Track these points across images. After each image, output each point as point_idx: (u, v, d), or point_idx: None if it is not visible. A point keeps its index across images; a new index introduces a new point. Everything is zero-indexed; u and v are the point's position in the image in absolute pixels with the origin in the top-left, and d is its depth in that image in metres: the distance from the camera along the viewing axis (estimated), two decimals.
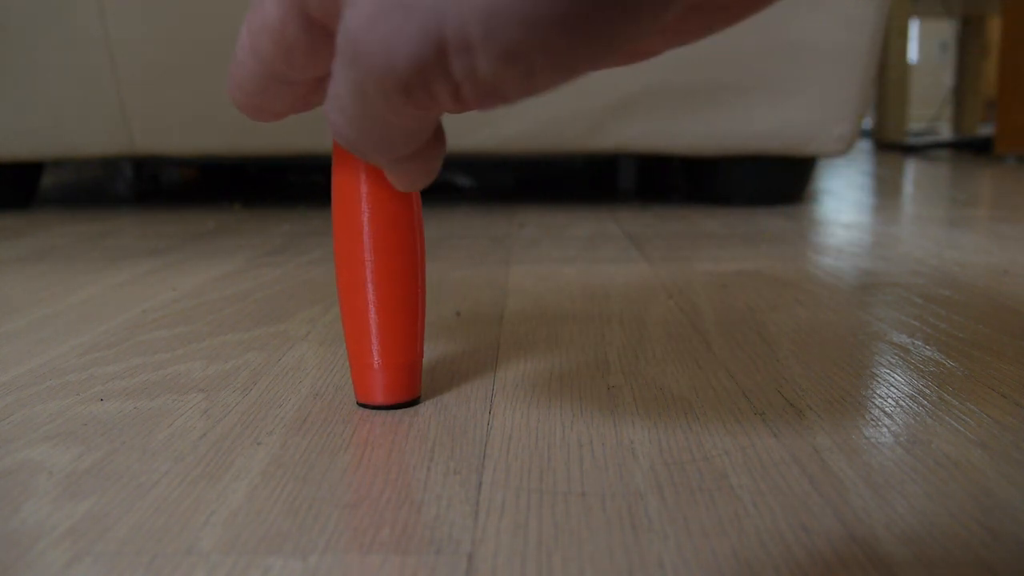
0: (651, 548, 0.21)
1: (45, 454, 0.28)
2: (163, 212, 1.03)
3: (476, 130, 0.94)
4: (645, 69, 0.91)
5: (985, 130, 2.31)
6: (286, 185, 1.43)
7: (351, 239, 0.30)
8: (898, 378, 0.34)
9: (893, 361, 0.37)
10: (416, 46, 0.17)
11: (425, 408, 0.32)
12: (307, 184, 1.45)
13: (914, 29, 3.52)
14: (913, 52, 3.75)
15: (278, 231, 0.83)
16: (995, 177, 1.38)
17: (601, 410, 0.31)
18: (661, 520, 0.22)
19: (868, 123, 2.61)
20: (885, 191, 1.20)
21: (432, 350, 0.39)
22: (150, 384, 0.35)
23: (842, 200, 1.07)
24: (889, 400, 0.32)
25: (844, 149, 0.96)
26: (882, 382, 0.34)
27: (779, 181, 1.02)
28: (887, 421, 0.29)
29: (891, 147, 2.19)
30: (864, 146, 2.34)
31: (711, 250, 0.68)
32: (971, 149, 1.98)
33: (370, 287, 0.30)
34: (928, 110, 3.31)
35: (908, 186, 1.28)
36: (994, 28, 2.57)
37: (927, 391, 0.33)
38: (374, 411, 0.31)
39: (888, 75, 2.28)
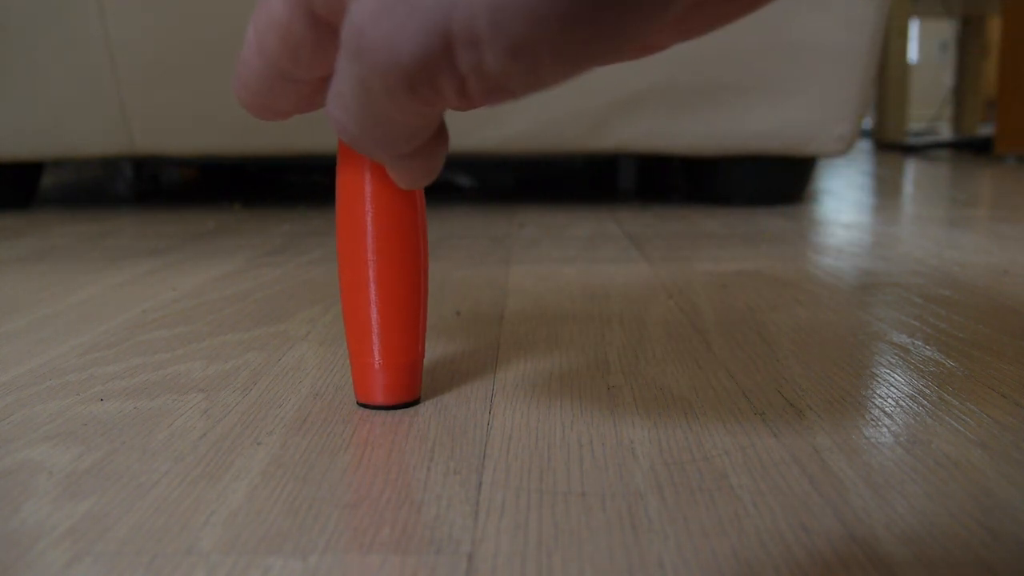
0: (651, 548, 0.21)
1: (45, 454, 0.28)
2: (163, 212, 1.03)
3: (476, 130, 0.94)
4: (645, 69, 0.91)
5: (985, 130, 2.31)
6: (286, 185, 1.43)
7: (354, 238, 0.30)
8: (898, 378, 0.34)
9: (893, 361, 0.37)
10: (422, 41, 0.17)
11: (425, 408, 0.32)
12: (307, 184, 1.45)
13: (914, 29, 3.52)
14: (913, 52, 3.76)
15: (278, 231, 0.83)
16: (995, 177, 1.38)
17: (601, 410, 0.31)
18: (661, 520, 0.22)
19: (868, 123, 2.61)
20: (885, 191, 1.20)
21: (432, 350, 0.39)
22: (150, 384, 0.35)
23: (842, 200, 1.07)
24: (889, 400, 0.32)
25: (844, 149, 0.96)
26: (882, 382, 0.34)
27: (779, 181, 1.02)
28: (887, 421, 0.29)
29: (891, 147, 2.19)
30: (864, 146, 2.34)
31: (711, 250, 0.68)
32: (971, 149, 1.98)
33: (372, 286, 0.30)
34: (928, 110, 3.31)
35: (908, 186, 1.28)
36: (994, 28, 2.57)
37: (927, 391, 0.33)
38: (374, 411, 0.31)
39: (888, 75, 2.28)
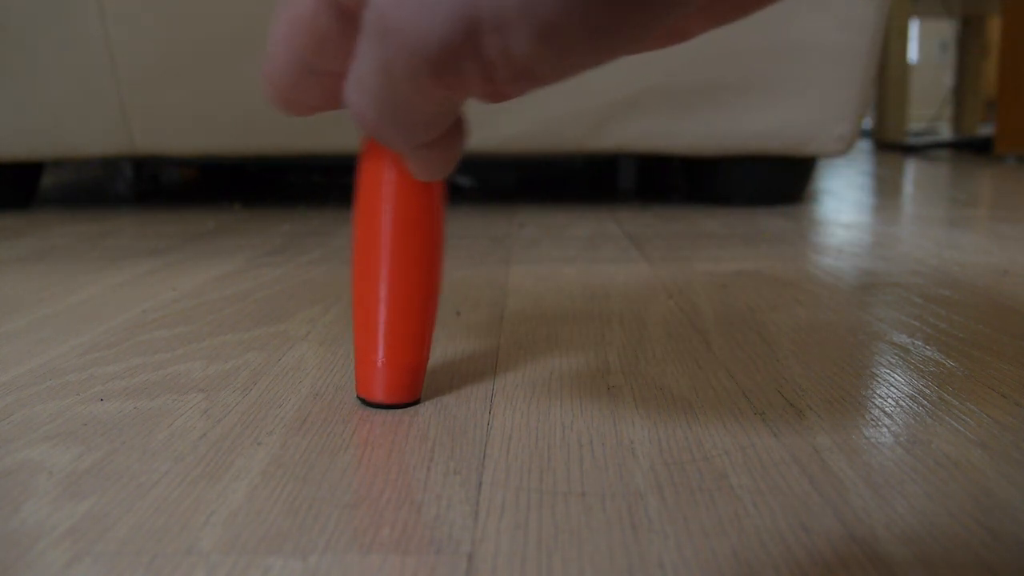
0: (651, 548, 0.21)
1: (45, 454, 0.28)
2: (163, 212, 1.03)
3: (476, 130, 0.94)
4: (645, 69, 0.91)
5: (985, 130, 2.31)
6: (286, 185, 1.43)
7: (372, 234, 0.30)
8: (898, 378, 0.34)
9: (893, 361, 0.37)
10: (448, 23, 0.17)
11: (425, 408, 0.32)
12: (307, 184, 1.45)
13: (914, 29, 3.52)
14: (913, 52, 3.75)
15: (278, 231, 0.83)
16: (995, 177, 1.38)
17: (601, 410, 0.31)
18: (661, 520, 0.22)
19: (868, 123, 2.61)
20: (885, 191, 1.20)
21: (432, 350, 0.39)
22: (150, 384, 0.35)
23: (842, 200, 1.07)
24: (889, 400, 0.32)
25: (844, 149, 0.96)
26: (882, 382, 0.34)
27: (779, 181, 1.02)
28: (887, 421, 0.29)
29: (891, 147, 2.19)
30: (864, 146, 2.34)
31: (711, 250, 0.68)
32: (971, 149, 1.98)
33: (384, 284, 0.30)
34: (928, 110, 3.31)
35: (908, 186, 1.28)
36: (994, 28, 2.57)
37: (927, 391, 0.33)
38: (374, 411, 0.31)
39: (888, 75, 2.28)
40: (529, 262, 0.63)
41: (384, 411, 0.31)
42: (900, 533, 0.21)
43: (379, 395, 0.31)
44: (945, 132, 2.66)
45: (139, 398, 0.33)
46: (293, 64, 0.24)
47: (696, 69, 0.91)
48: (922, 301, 0.48)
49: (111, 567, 0.21)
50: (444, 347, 0.40)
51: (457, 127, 0.25)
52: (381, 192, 0.30)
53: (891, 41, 2.24)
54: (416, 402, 0.32)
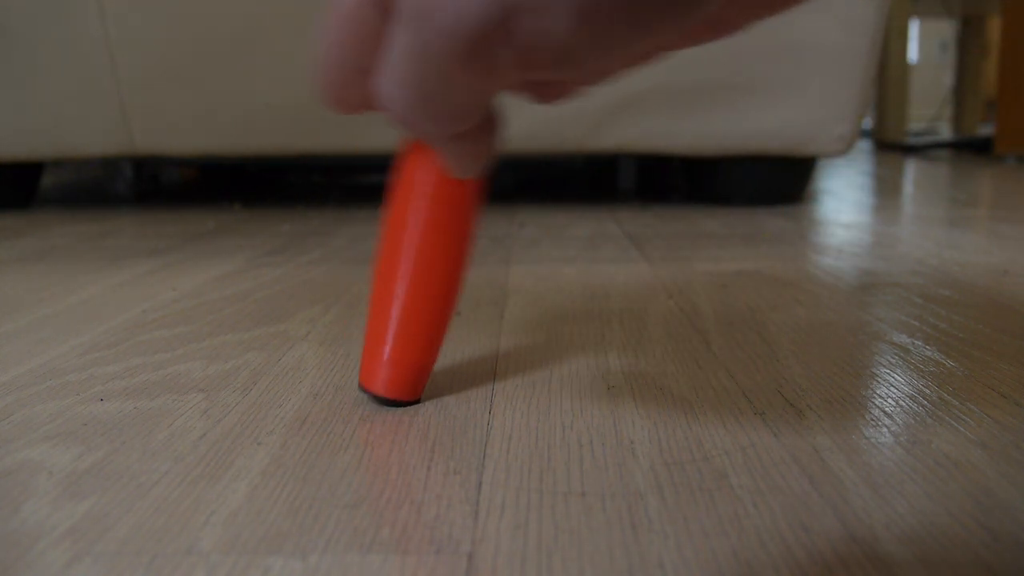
0: (651, 548, 0.21)
1: (45, 454, 0.28)
2: (163, 212, 1.03)
3: None
4: (646, 69, 0.91)
5: (985, 130, 2.31)
6: (286, 185, 1.43)
7: (401, 232, 0.30)
8: (898, 378, 0.34)
9: (893, 361, 0.37)
10: (483, 3, 0.16)
11: (425, 408, 0.32)
12: (307, 184, 1.45)
13: (914, 29, 3.52)
14: (913, 52, 3.75)
15: (278, 231, 0.83)
16: (995, 177, 1.38)
17: (601, 410, 0.31)
18: (661, 520, 0.22)
19: (868, 123, 2.61)
20: (885, 191, 1.20)
21: None
22: (150, 384, 0.35)
23: (842, 200, 1.07)
24: (889, 400, 0.32)
25: (844, 149, 0.96)
26: (882, 382, 0.34)
27: (779, 181, 1.02)
28: (887, 421, 0.29)
29: (891, 147, 2.19)
30: (864, 146, 2.34)
31: (711, 250, 0.68)
32: (971, 149, 1.98)
33: (404, 282, 0.30)
34: (928, 110, 3.31)
35: (908, 186, 1.28)
36: (994, 28, 2.57)
37: (927, 391, 0.33)
38: (374, 411, 0.31)
39: (888, 75, 2.28)
40: (529, 262, 0.63)
41: (384, 411, 0.31)
42: (900, 533, 0.21)
43: (380, 388, 0.31)
44: (945, 132, 2.66)
45: (139, 398, 0.33)
46: (342, 62, 0.24)
47: (696, 69, 0.91)
48: (922, 301, 0.48)
49: (111, 567, 0.21)
50: (444, 347, 0.40)
51: (490, 121, 0.24)
52: (417, 192, 0.30)
53: (891, 41, 2.24)
54: (416, 401, 0.32)
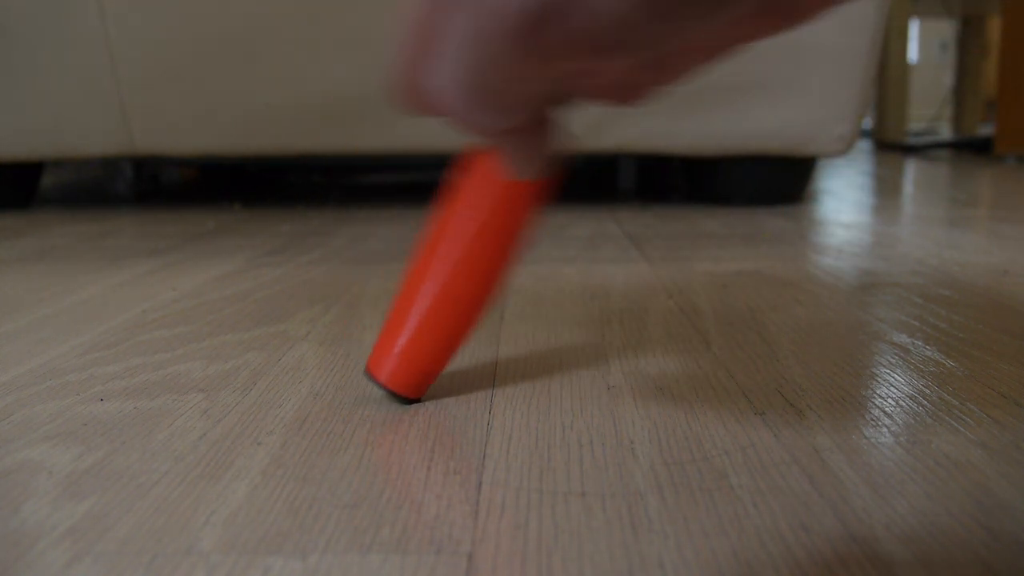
0: (651, 548, 0.21)
1: (45, 454, 0.28)
2: (163, 212, 1.03)
3: None
4: None
5: (985, 130, 2.31)
6: (286, 185, 1.43)
7: (449, 235, 0.30)
8: (898, 378, 0.34)
9: (893, 361, 0.37)
10: None
11: (425, 408, 0.32)
12: (307, 184, 1.45)
13: (914, 29, 3.51)
14: (913, 52, 3.75)
15: (278, 231, 0.83)
16: (995, 177, 1.38)
17: (601, 410, 0.31)
18: (661, 520, 0.22)
19: (868, 123, 2.61)
20: (885, 191, 1.20)
21: None
22: (150, 384, 0.35)
23: (842, 200, 1.07)
24: (889, 400, 0.32)
25: (844, 149, 0.96)
26: (882, 382, 0.34)
27: (779, 181, 1.02)
28: (887, 421, 0.29)
29: (891, 147, 2.19)
30: (864, 146, 2.34)
31: (711, 250, 0.68)
32: (971, 149, 1.98)
33: (439, 283, 0.30)
34: (928, 110, 3.31)
35: (908, 186, 1.28)
36: (994, 28, 2.57)
37: (927, 391, 0.33)
38: (374, 411, 0.31)
39: (888, 75, 2.28)
40: (529, 262, 0.63)
41: (384, 411, 0.31)
42: (900, 533, 0.21)
43: (384, 378, 0.31)
44: (945, 132, 2.66)
45: (139, 398, 0.33)
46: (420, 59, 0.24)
47: None
48: (922, 301, 0.48)
49: (111, 567, 0.21)
50: None
51: (542, 121, 0.24)
52: (475, 203, 0.30)
53: (891, 41, 2.24)
54: (416, 400, 0.32)
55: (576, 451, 0.27)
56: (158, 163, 1.60)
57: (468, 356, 0.38)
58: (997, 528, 0.22)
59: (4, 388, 0.35)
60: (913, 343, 0.39)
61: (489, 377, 0.35)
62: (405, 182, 1.44)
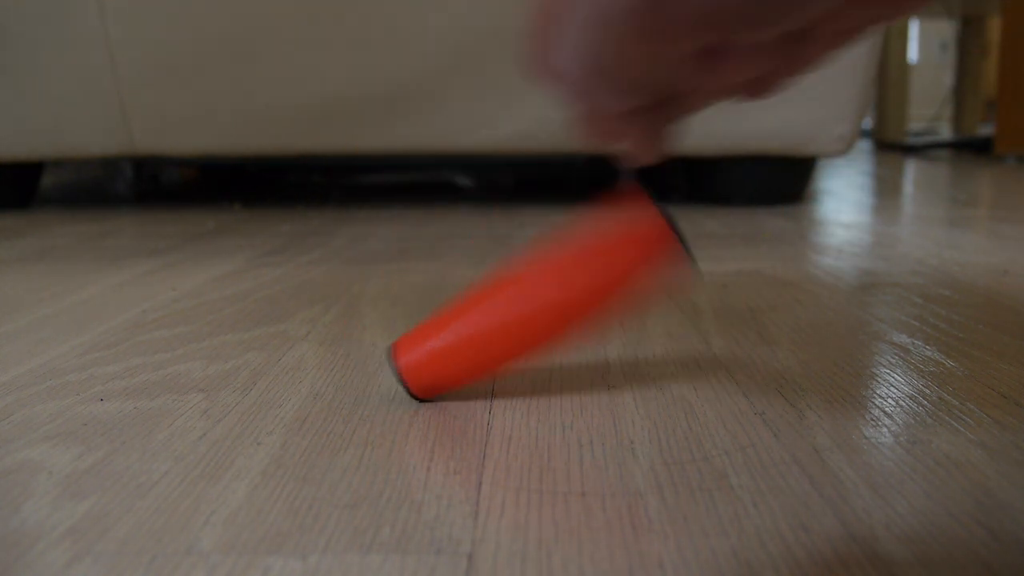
0: (651, 548, 0.21)
1: (45, 454, 0.28)
2: (163, 212, 1.03)
3: (475, 130, 0.94)
4: None
5: (985, 130, 2.31)
6: (286, 185, 1.43)
7: (551, 270, 0.30)
8: (898, 378, 0.34)
9: (893, 361, 0.37)
10: None
11: (425, 408, 0.32)
12: (307, 184, 1.45)
13: (914, 29, 3.51)
14: (913, 52, 3.75)
15: (278, 231, 0.83)
16: (995, 177, 1.38)
17: (601, 410, 0.31)
18: (661, 520, 0.22)
19: (868, 123, 2.61)
20: (885, 191, 1.20)
21: None
22: (150, 384, 0.35)
23: (842, 200, 1.07)
24: (889, 400, 0.32)
25: (844, 149, 0.96)
26: (882, 382, 0.34)
27: (779, 181, 1.02)
28: (887, 421, 0.29)
29: (891, 147, 2.19)
30: (864, 146, 2.34)
31: (711, 250, 0.68)
32: (971, 149, 1.98)
33: (505, 310, 0.30)
34: (928, 110, 3.31)
35: (908, 186, 1.28)
36: (994, 28, 2.57)
37: (927, 391, 0.33)
38: (374, 411, 0.31)
39: (888, 75, 2.28)
40: None
41: (384, 411, 0.31)
42: (900, 533, 0.21)
43: (401, 360, 0.31)
44: (945, 132, 2.66)
45: (139, 398, 0.33)
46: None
47: None
48: (922, 301, 0.48)
49: (111, 567, 0.21)
50: None
51: (661, 106, 0.24)
52: (595, 255, 0.30)
53: (891, 41, 2.24)
54: (416, 400, 0.32)
55: (576, 451, 0.27)
56: (158, 163, 1.60)
57: None
58: (997, 528, 0.22)
59: (4, 388, 0.35)
60: (913, 343, 0.39)
61: (489, 377, 0.35)
62: (405, 182, 1.44)
